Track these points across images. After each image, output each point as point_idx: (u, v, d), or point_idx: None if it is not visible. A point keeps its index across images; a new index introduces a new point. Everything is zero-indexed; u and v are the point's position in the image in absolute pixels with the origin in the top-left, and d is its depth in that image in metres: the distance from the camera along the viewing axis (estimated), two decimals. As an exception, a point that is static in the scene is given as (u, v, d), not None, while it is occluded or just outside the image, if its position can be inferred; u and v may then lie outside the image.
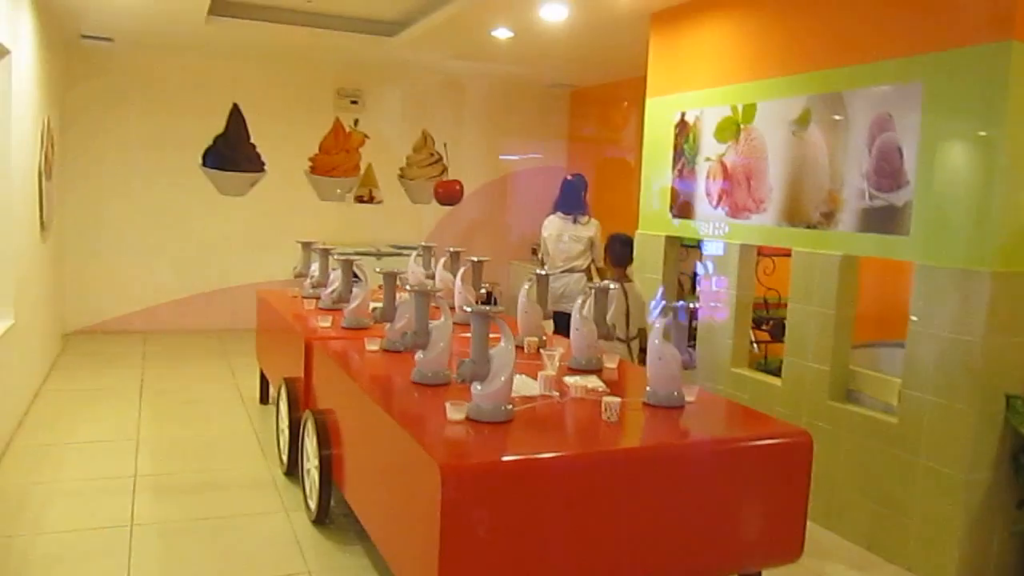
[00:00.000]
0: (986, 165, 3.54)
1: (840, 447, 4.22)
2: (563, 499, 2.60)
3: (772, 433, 3.10)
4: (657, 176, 5.77)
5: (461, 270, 5.04)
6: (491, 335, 2.97)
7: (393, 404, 3.22)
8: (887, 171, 3.99)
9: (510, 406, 2.95)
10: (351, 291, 4.83)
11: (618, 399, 3.04)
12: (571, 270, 6.49)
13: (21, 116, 5.40)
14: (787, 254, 4.78)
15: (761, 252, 5.11)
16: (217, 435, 5.38)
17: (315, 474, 3.94)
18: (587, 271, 6.50)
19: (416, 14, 6.87)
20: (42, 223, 6.32)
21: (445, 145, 9.74)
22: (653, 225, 5.81)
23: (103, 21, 7.07)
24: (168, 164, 8.61)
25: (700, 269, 5.48)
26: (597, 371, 3.80)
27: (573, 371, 3.74)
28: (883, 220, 4.00)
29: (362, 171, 9.41)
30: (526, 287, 4.39)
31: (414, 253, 5.92)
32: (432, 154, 9.69)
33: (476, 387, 2.92)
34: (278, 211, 9.04)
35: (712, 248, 5.22)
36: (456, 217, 9.87)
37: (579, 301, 3.93)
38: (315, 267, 5.67)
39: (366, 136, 9.35)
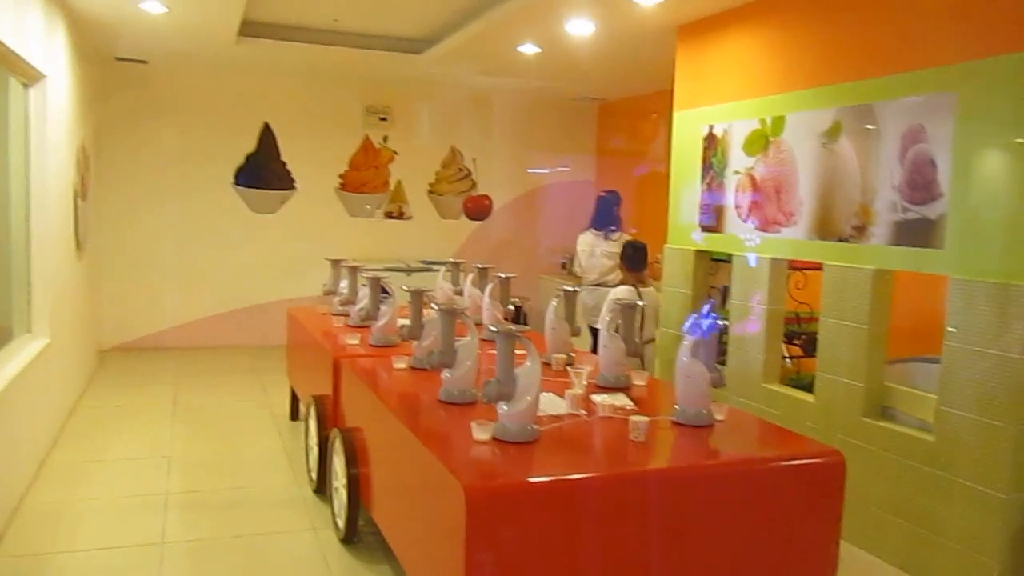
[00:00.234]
0: (1023, 176, 3.47)
1: (875, 465, 4.13)
2: (589, 521, 2.57)
3: (804, 453, 3.04)
4: (685, 190, 5.73)
5: (489, 286, 5.03)
6: (518, 352, 2.96)
7: (419, 423, 3.21)
8: (920, 183, 3.92)
9: (536, 426, 2.93)
10: (379, 308, 4.84)
11: (646, 418, 3.01)
12: (604, 284, 6.54)
13: (57, 139, 5.51)
14: (818, 268, 4.71)
15: (792, 266, 5.05)
16: (248, 452, 5.41)
17: (343, 493, 3.94)
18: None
19: (443, 31, 6.91)
20: (77, 243, 6.43)
21: (474, 160, 9.76)
22: (682, 239, 5.76)
23: (137, 43, 7.20)
24: (200, 182, 8.73)
25: (730, 283, 5.42)
26: (625, 388, 3.76)
27: (601, 389, 3.71)
28: (916, 233, 3.93)
29: (391, 187, 9.46)
30: (554, 304, 4.36)
31: (443, 269, 5.93)
32: (461, 169, 9.72)
33: (502, 407, 2.90)
34: (309, 228, 9.11)
35: (742, 262, 5.16)
36: (485, 232, 9.88)
37: (607, 318, 3.90)
38: (344, 284, 5.70)
39: (395, 152, 9.41)
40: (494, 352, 3.02)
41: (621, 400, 3.49)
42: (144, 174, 8.53)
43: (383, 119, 9.29)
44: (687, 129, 5.74)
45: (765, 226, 4.95)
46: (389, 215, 9.50)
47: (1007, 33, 3.56)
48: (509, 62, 7.46)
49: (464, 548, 2.41)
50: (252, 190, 8.91)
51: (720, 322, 3.33)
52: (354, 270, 5.62)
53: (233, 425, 6.04)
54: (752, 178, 5.06)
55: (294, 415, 6.16)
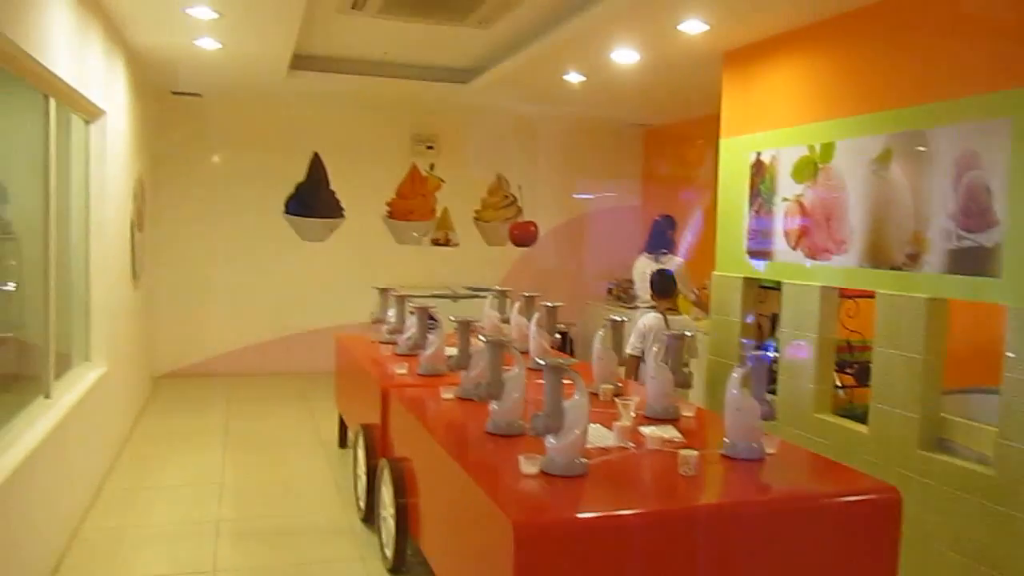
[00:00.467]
0: (1082, 204, 3.38)
1: (932, 499, 4.03)
2: (638, 557, 2.55)
3: (859, 489, 2.98)
4: (733, 217, 5.69)
5: (535, 315, 5.04)
6: (565, 382, 2.95)
7: (467, 456, 3.22)
8: (975, 211, 3.84)
9: (584, 459, 2.92)
10: (427, 337, 4.88)
11: (695, 452, 2.98)
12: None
13: (116, 173, 5.68)
14: (870, 295, 4.63)
15: (843, 293, 4.97)
16: (297, 479, 5.47)
17: (391, 523, 3.96)
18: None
19: (489, 61, 6.98)
20: (134, 273, 6.59)
21: (519, 187, 9.82)
22: (730, 266, 5.71)
23: (192, 78, 7.40)
24: (251, 211, 8.91)
25: (779, 311, 5.36)
26: (674, 420, 3.73)
27: (649, 420, 3.68)
28: (972, 261, 3.84)
29: (438, 215, 9.55)
30: (601, 333, 4.35)
31: (489, 297, 5.95)
32: (506, 196, 9.78)
33: (550, 440, 2.89)
34: (356, 255, 9.23)
35: (792, 290, 5.09)
36: (531, 258, 9.91)
37: (654, 348, 3.88)
38: (392, 313, 5.76)
39: (442, 180, 9.50)
40: (541, 382, 3.03)
41: (670, 432, 3.46)
42: (196, 203, 8.74)
43: (430, 147, 9.39)
44: (734, 156, 5.71)
45: (815, 253, 4.88)
46: (436, 242, 9.58)
47: (1063, 58, 3.50)
48: (554, 90, 7.51)
49: (513, 584, 2.40)
50: (302, 218, 9.07)
51: (771, 354, 3.29)
52: (402, 299, 5.68)
53: (283, 452, 6.11)
54: (801, 205, 5.01)
55: (342, 442, 6.21)
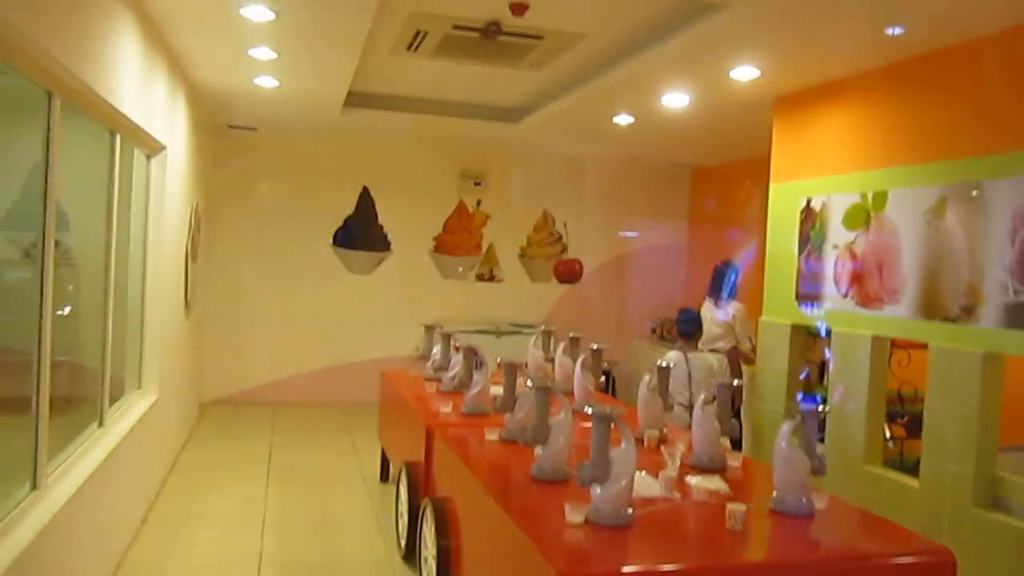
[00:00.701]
0: None
1: (987, 560, 3.92)
2: (685, 614, 2.52)
3: (911, 550, 2.91)
4: (783, 262, 5.65)
5: (580, 357, 5.03)
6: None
7: (511, 501, 3.21)
8: (1033, 265, 3.77)
9: (630, 509, 2.89)
10: (472, 376, 4.90)
11: (743, 506, 2.93)
12: (714, 351, 6.50)
13: (174, 205, 5.83)
14: (923, 346, 4.55)
15: (895, 344, 4.89)
16: (339, 513, 5.50)
17: (432, 563, 3.94)
18: (731, 353, 6.51)
19: (539, 101, 7.06)
20: (186, 302, 6.74)
21: (565, 224, 9.85)
22: (778, 312, 5.66)
23: (249, 113, 7.60)
24: (301, 243, 9.07)
25: (830, 359, 5.28)
26: (720, 470, 3.68)
27: (695, 469, 3.64)
28: (1030, 317, 3.77)
29: (484, 250, 9.61)
30: (647, 378, 4.33)
31: (534, 337, 5.96)
32: (552, 233, 9.82)
33: (596, 489, 2.88)
34: (402, 289, 9.32)
35: (842, 338, 5.02)
36: (576, 296, 9.91)
37: (701, 397, 3.85)
38: (437, 350, 5.79)
39: (488, 216, 9.58)
40: (586, 425, 3.02)
41: (716, 483, 3.42)
42: (247, 234, 8.92)
43: (477, 184, 9.49)
44: (784, 201, 5.68)
45: (866, 302, 4.82)
46: (480, 277, 9.63)
47: None
48: (603, 131, 7.55)
49: (557, 637, 2.39)
50: (350, 251, 9.20)
51: (821, 407, 3.25)
52: (447, 336, 5.71)
53: (325, 484, 6.15)
54: (852, 252, 4.96)
55: (383, 476, 6.23)
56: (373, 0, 4.08)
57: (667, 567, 2.58)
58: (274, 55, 5.28)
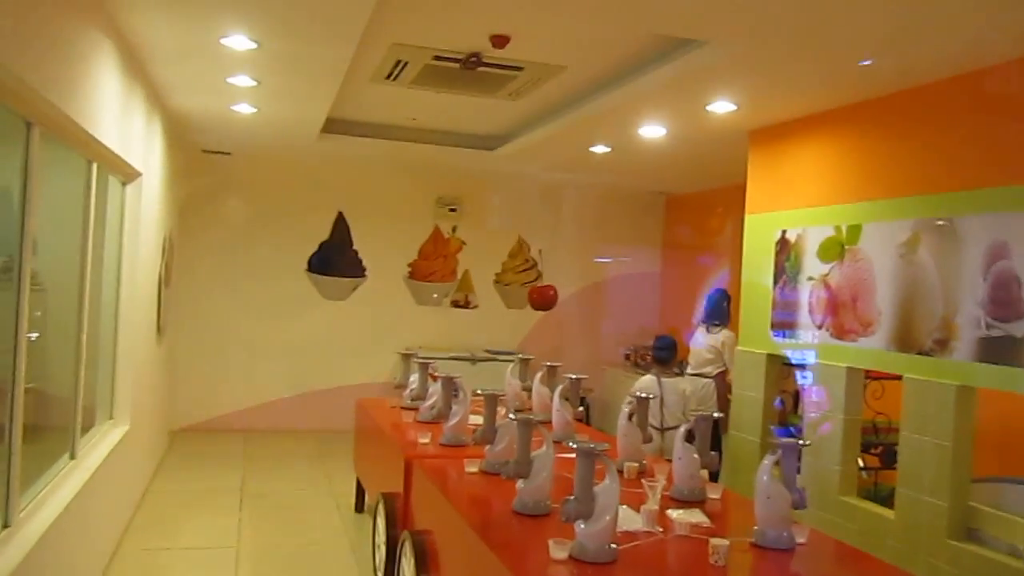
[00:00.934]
0: (1115, 300, 3.38)
1: (962, 591, 3.96)
2: (671, 652, 2.51)
3: (891, 585, 2.94)
4: (758, 293, 5.71)
5: (559, 387, 5.03)
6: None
7: (494, 535, 3.20)
8: (1004, 300, 3.85)
9: (615, 545, 2.89)
10: (450, 407, 4.88)
11: (726, 542, 2.94)
12: (700, 375, 6.69)
13: (148, 231, 5.77)
14: (897, 377, 4.62)
15: (869, 375, 4.96)
16: (314, 545, 5.42)
17: (412, 598, 3.91)
18: (719, 378, 6.61)
19: (516, 130, 7.11)
20: (159, 329, 6.65)
21: (540, 251, 9.89)
22: (754, 342, 5.71)
23: (224, 138, 7.56)
24: (274, 268, 9.00)
25: (804, 390, 5.34)
26: (700, 502, 3.70)
27: (676, 502, 3.65)
28: (1002, 351, 3.84)
29: (459, 276, 9.61)
30: (625, 409, 4.34)
31: (511, 366, 5.96)
32: (527, 260, 9.85)
33: (580, 525, 2.87)
34: (377, 315, 9.28)
35: (817, 370, 5.08)
36: (550, 322, 9.93)
37: (681, 430, 3.87)
38: (414, 379, 5.76)
39: (463, 242, 9.59)
40: (565, 456, 3.01)
41: (697, 516, 3.43)
42: (220, 259, 8.84)
43: (453, 210, 9.51)
44: (760, 232, 5.75)
45: (841, 334, 4.89)
46: (455, 304, 9.62)
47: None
48: (580, 160, 7.62)
49: (543, 677, 2.37)
50: (324, 277, 9.15)
51: (801, 443, 3.29)
52: (425, 365, 5.69)
53: (299, 515, 6.07)
54: (827, 285, 5.03)
55: (359, 506, 6.17)
56: (357, 32, 4.09)
57: (653, 605, 2.58)
58: (253, 83, 5.27)
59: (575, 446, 2.94)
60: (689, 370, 6.83)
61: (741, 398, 5.81)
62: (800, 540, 3.17)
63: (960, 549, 4.02)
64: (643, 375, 7.67)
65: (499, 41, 4.63)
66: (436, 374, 5.33)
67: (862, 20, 3.67)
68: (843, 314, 4.88)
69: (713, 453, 3.97)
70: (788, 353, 5.41)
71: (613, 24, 4.28)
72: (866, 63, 4.27)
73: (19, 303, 3.23)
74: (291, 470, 7.37)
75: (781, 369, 5.66)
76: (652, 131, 6.05)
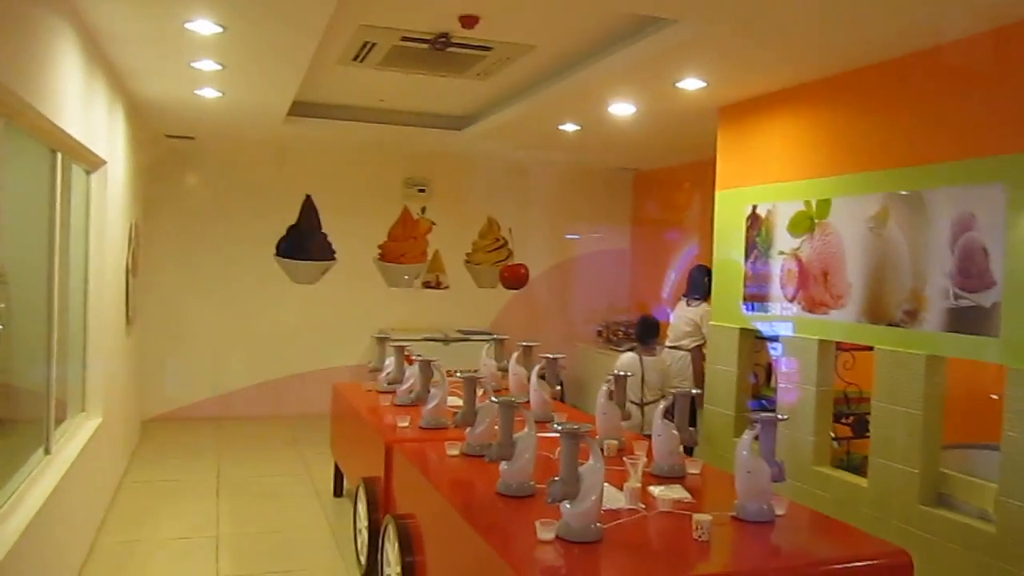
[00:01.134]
0: (1079, 269, 3.47)
1: (934, 555, 4.07)
2: (660, 628, 2.56)
3: (869, 553, 3.00)
4: (730, 268, 5.77)
5: (536, 367, 5.06)
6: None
7: (479, 518, 3.21)
8: (972, 271, 3.93)
9: (600, 524, 2.93)
10: (429, 390, 4.88)
11: (709, 517, 2.99)
12: (677, 347, 6.83)
13: (114, 219, 5.67)
14: (867, 348, 4.71)
15: (840, 347, 5.04)
16: (295, 531, 5.42)
17: (397, 581, 3.93)
18: (695, 351, 6.74)
19: (484, 110, 7.08)
20: (128, 319, 6.56)
21: (510, 230, 9.88)
22: (727, 317, 5.78)
23: (188, 122, 7.42)
24: (242, 253, 8.89)
25: (777, 362, 5.42)
26: (680, 478, 3.75)
27: (656, 479, 3.70)
28: (970, 321, 3.93)
29: (429, 257, 9.58)
30: (604, 388, 4.37)
31: (486, 347, 5.97)
32: (497, 239, 9.84)
33: (566, 506, 2.90)
34: (348, 298, 9.23)
35: (789, 343, 5.16)
36: (522, 301, 9.95)
37: (660, 407, 3.91)
38: (390, 362, 5.75)
39: (433, 223, 9.55)
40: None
41: (679, 492, 3.48)
42: (186, 246, 8.72)
43: (421, 191, 9.45)
44: (730, 208, 5.80)
45: (812, 307, 4.96)
46: (427, 285, 9.60)
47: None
48: (549, 138, 7.60)
49: (536, 657, 2.40)
50: (293, 261, 9.07)
51: (780, 417, 3.35)
52: (401, 348, 5.68)
53: (278, 502, 6.05)
54: (798, 259, 5.09)
55: (337, 491, 6.16)
56: (325, 15, 4.03)
57: (641, 582, 2.62)
58: (218, 67, 5.18)
59: (559, 428, 2.96)
60: (668, 343, 6.93)
61: (715, 372, 5.88)
62: (779, 512, 3.24)
63: (931, 514, 4.12)
64: (616, 351, 7.76)
65: (468, 21, 4.59)
66: (413, 357, 5.32)
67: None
68: (814, 287, 4.95)
69: (692, 429, 4.03)
70: (760, 327, 5.48)
71: (583, 3, 4.27)
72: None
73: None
74: (267, 456, 7.34)
75: (754, 343, 5.73)
76: (622, 109, 6.05)
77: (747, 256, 5.58)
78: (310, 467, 6.93)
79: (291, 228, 9.06)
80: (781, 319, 5.23)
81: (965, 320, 3.95)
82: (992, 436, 4.08)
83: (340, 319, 9.14)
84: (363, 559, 4.63)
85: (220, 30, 4.33)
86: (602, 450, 4.03)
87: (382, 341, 6.01)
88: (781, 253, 5.25)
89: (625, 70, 5.01)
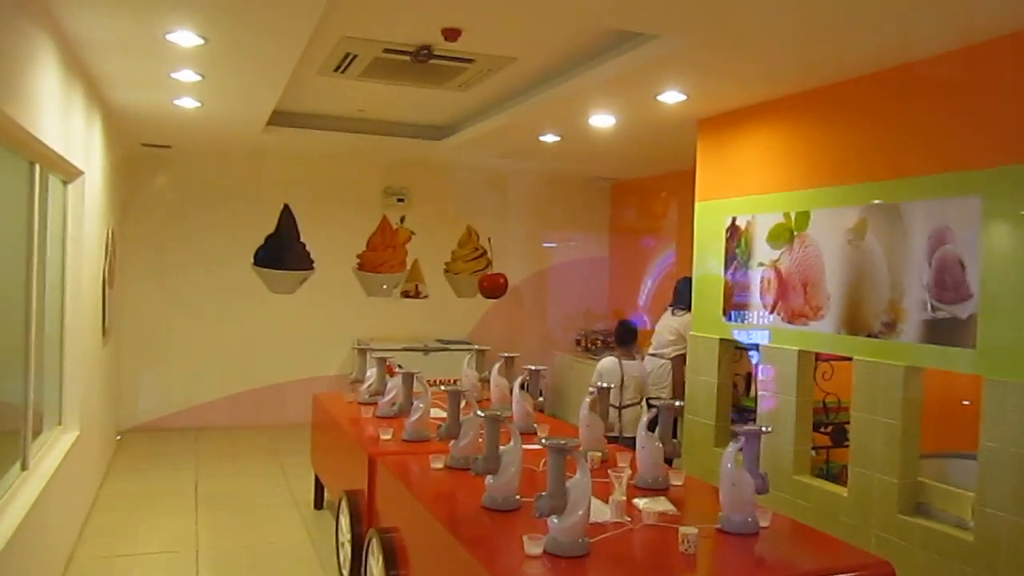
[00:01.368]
0: (1054, 282, 3.54)
1: (913, 563, 4.12)
2: (648, 642, 2.57)
3: (853, 564, 3.04)
4: (710, 279, 5.81)
5: (518, 378, 5.06)
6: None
7: (465, 532, 3.21)
8: (948, 283, 3.99)
9: (587, 538, 2.94)
10: (412, 402, 4.87)
11: (695, 530, 3.01)
12: (659, 355, 6.91)
13: (91, 231, 5.61)
14: (846, 359, 4.76)
15: (819, 357, 5.09)
16: (276, 544, 5.37)
17: (381, 596, 3.91)
18: (677, 360, 6.78)
19: (464, 120, 7.09)
20: (104, 330, 6.48)
21: (489, 239, 9.89)
22: (707, 327, 5.82)
23: (164, 131, 7.36)
24: (220, 263, 8.83)
25: (757, 372, 5.47)
26: (664, 490, 3.77)
27: (640, 491, 3.72)
28: (947, 332, 3.99)
29: (408, 267, 9.56)
30: (587, 400, 4.39)
31: (467, 357, 5.97)
32: (476, 248, 9.84)
33: (553, 520, 2.91)
34: (326, 308, 9.19)
35: (769, 353, 5.20)
36: (501, 310, 9.95)
37: (644, 419, 3.93)
38: (371, 373, 5.73)
39: (412, 232, 9.54)
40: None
41: (663, 505, 3.50)
42: (163, 256, 8.64)
43: (400, 200, 9.44)
44: (710, 219, 5.85)
45: (792, 318, 5.01)
46: (406, 294, 9.58)
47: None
48: (528, 148, 7.63)
49: (526, 674, 2.40)
50: (271, 270, 9.01)
51: (764, 429, 3.37)
52: (383, 360, 5.66)
53: (258, 514, 6.00)
54: (778, 270, 5.15)
55: (318, 502, 6.13)
56: (309, 27, 4.03)
57: (629, 597, 2.63)
58: (198, 78, 5.15)
59: (546, 443, 2.97)
60: (650, 350, 6.99)
61: (695, 382, 5.92)
62: (764, 524, 3.27)
63: (910, 523, 4.18)
64: (594, 360, 7.80)
65: (451, 34, 4.60)
66: (396, 369, 5.31)
67: (800, 16, 3.75)
68: (794, 298, 5.00)
69: (675, 440, 4.06)
70: (740, 337, 5.53)
71: (565, 18, 4.30)
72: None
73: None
74: (246, 468, 7.28)
75: (734, 353, 5.78)
76: (602, 120, 6.09)
77: (727, 267, 5.63)
78: (290, 478, 6.88)
79: (269, 237, 9.01)
80: (761, 329, 5.27)
81: (942, 331, 4.01)
82: (963, 443, 4.15)
83: (319, 329, 9.09)
84: (346, 572, 4.61)
85: (201, 42, 4.31)
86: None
87: (363, 352, 5.99)
88: (761, 264, 5.30)
89: (606, 83, 5.05)
